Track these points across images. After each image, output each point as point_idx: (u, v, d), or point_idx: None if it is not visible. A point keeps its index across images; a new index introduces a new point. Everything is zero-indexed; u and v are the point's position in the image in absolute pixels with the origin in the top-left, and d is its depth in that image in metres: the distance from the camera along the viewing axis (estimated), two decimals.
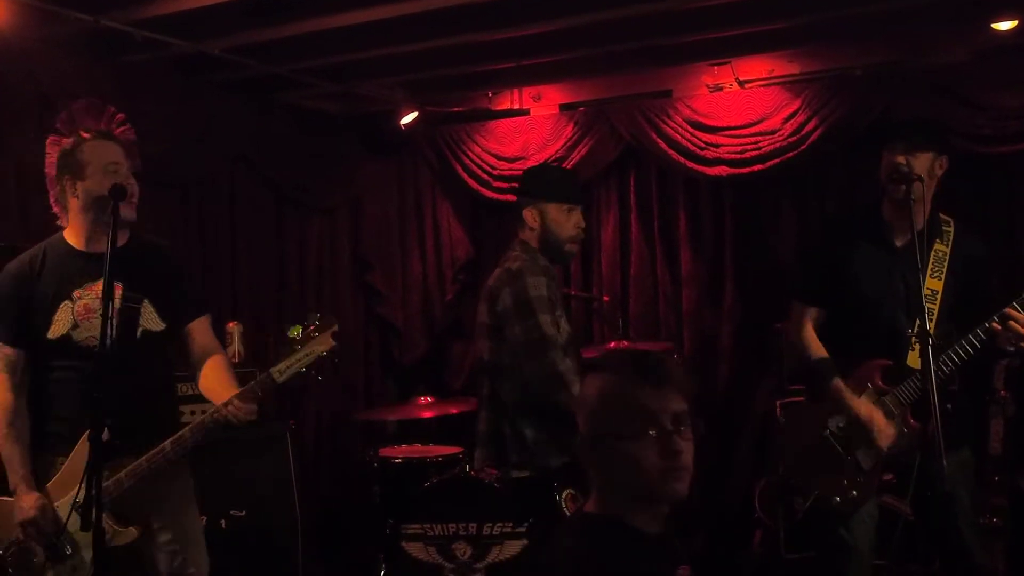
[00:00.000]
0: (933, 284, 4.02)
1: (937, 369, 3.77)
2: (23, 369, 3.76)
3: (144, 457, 3.53)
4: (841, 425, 4.04)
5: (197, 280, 3.70)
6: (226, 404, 3.53)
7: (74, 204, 3.71)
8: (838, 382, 4.06)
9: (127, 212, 3.63)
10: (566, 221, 4.47)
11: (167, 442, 3.52)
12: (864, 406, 4.00)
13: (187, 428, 3.53)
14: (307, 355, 3.39)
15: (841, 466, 4.04)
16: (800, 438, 4.23)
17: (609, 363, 2.71)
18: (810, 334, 4.24)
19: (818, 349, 4.20)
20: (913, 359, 3.97)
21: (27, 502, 3.61)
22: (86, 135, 3.73)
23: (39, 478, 3.68)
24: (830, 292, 4.21)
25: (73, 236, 3.76)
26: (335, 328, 3.41)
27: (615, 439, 2.45)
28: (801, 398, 5.86)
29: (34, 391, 3.76)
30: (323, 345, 3.38)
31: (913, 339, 3.81)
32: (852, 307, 4.12)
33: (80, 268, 3.53)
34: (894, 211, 4.09)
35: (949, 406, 3.74)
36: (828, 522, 4.10)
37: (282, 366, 3.40)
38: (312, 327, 3.43)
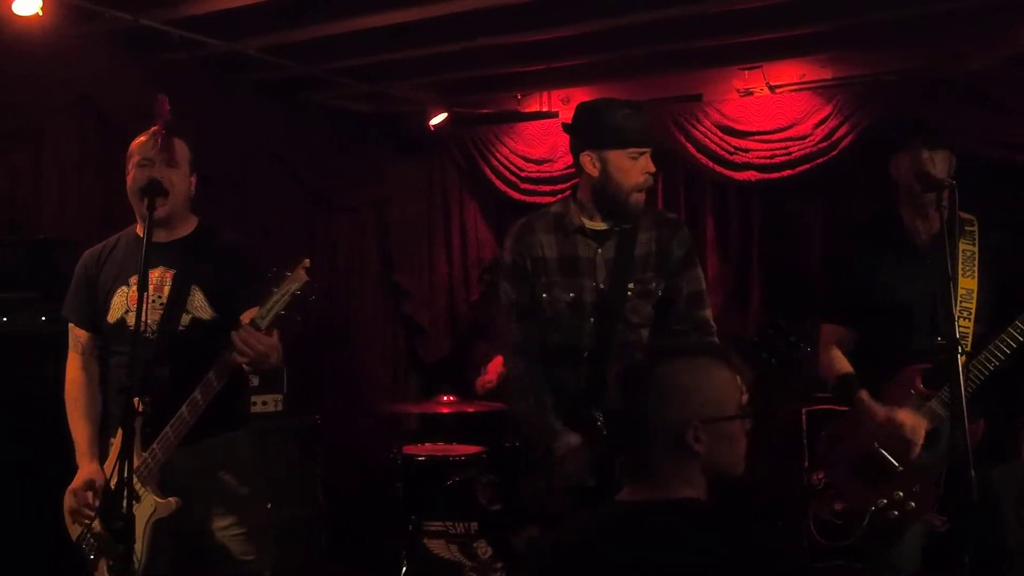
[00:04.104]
0: (967, 283, 3.96)
1: (977, 372, 3.76)
2: (96, 351, 3.91)
3: (168, 426, 3.57)
4: (888, 434, 3.93)
5: (257, 275, 3.75)
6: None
7: (131, 198, 3.81)
8: (863, 393, 3.99)
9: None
10: (631, 168, 3.79)
11: (184, 407, 3.56)
12: (882, 410, 3.91)
13: (197, 390, 3.56)
14: (282, 295, 3.37)
15: (895, 478, 3.92)
16: (846, 455, 4.10)
17: (694, 348, 2.76)
18: (835, 353, 4.17)
19: (842, 366, 4.13)
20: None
21: (80, 473, 3.76)
22: (142, 136, 3.80)
23: (102, 459, 3.80)
24: (859, 306, 4.14)
25: (139, 226, 3.84)
26: (306, 263, 3.39)
27: (722, 422, 2.49)
28: (828, 405, 5.90)
29: (103, 375, 3.89)
30: (296, 282, 3.38)
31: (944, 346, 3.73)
32: (886, 316, 4.05)
33: (139, 255, 3.58)
34: (914, 213, 4.06)
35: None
36: (880, 540, 4.01)
37: (262, 311, 3.42)
38: (284, 270, 3.44)
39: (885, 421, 3.90)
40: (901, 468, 3.91)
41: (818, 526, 5.22)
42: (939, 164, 3.97)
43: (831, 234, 6.84)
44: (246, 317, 3.54)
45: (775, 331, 3.61)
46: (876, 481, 3.97)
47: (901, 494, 3.93)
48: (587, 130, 3.88)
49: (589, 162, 3.82)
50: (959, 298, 3.87)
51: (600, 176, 3.81)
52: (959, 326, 3.65)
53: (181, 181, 3.78)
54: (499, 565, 5.56)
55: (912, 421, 3.86)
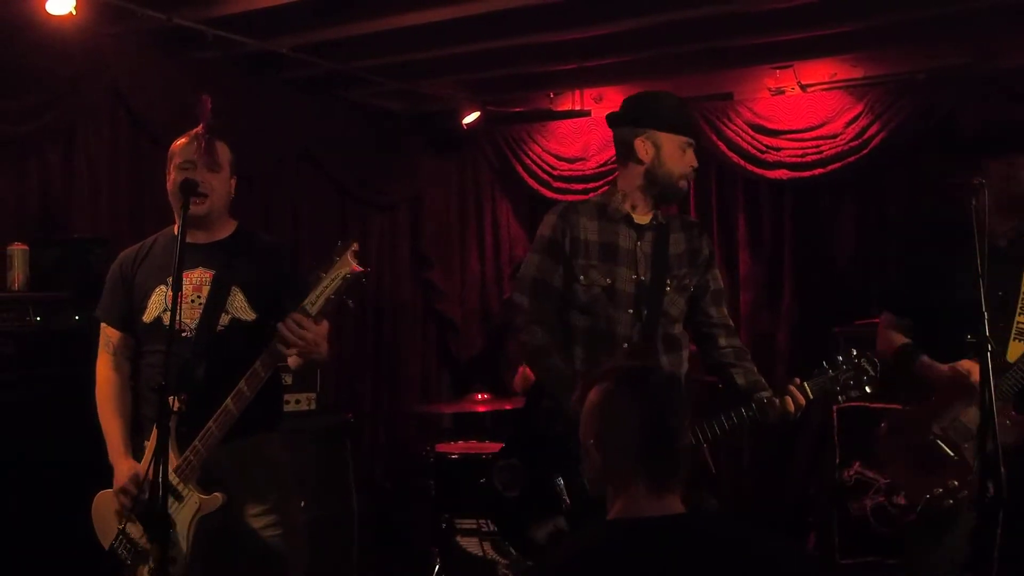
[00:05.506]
0: None
1: None
2: (127, 352, 3.91)
3: (211, 420, 3.55)
4: (944, 425, 4.02)
5: (296, 274, 3.74)
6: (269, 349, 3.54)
7: (170, 197, 3.81)
8: (924, 358, 4.09)
9: (193, 207, 3.68)
10: (681, 157, 3.92)
11: (228, 400, 3.54)
12: (949, 367, 3.99)
13: (242, 381, 3.54)
14: (332, 280, 3.33)
15: (949, 467, 3.99)
16: (905, 445, 4.16)
17: None
18: (893, 333, 4.28)
19: (899, 339, 4.23)
20: (1012, 354, 3.98)
21: (120, 470, 3.72)
22: (182, 137, 3.81)
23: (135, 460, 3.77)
24: (927, 300, 4.18)
25: (176, 225, 3.85)
26: (355, 247, 3.34)
27: None
28: (859, 403, 5.89)
29: (135, 375, 3.89)
30: (345, 267, 3.31)
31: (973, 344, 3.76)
32: (952, 309, 4.03)
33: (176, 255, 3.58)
34: (996, 218, 4.00)
35: None
36: (929, 529, 4.05)
37: (311, 297, 3.37)
38: (333, 254, 3.41)
39: (951, 372, 3.98)
40: (956, 457, 3.97)
41: (875, 514, 5.21)
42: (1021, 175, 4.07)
43: (864, 230, 6.86)
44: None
45: (848, 365, 3.73)
46: (932, 471, 4.03)
47: (956, 483, 3.96)
48: (643, 113, 3.95)
49: (642, 147, 3.89)
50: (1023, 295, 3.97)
51: (653, 162, 3.89)
52: (1019, 322, 3.92)
53: (222, 184, 3.78)
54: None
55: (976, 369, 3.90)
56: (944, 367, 4.00)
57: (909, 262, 4.47)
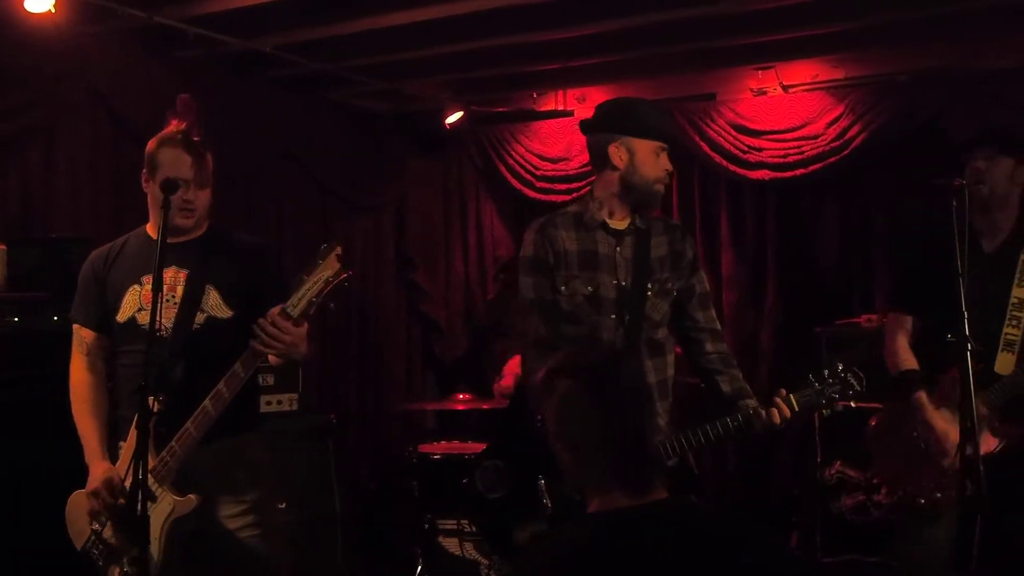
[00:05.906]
0: (1019, 292, 4.03)
1: None
2: (102, 352, 3.88)
3: (189, 421, 3.54)
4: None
5: (282, 274, 3.73)
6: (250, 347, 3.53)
7: (149, 198, 3.80)
8: (921, 395, 4.10)
9: (182, 220, 3.69)
10: (655, 162, 3.92)
11: (207, 401, 3.52)
12: (941, 420, 4.03)
13: (222, 382, 3.52)
14: (315, 283, 3.33)
15: (927, 469, 4.04)
16: (892, 441, 4.22)
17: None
18: (903, 344, 4.27)
19: (908, 360, 4.23)
20: (1000, 365, 4.00)
21: (95, 472, 3.70)
22: (167, 143, 3.76)
23: (111, 462, 3.75)
24: (927, 299, 4.19)
25: (150, 226, 3.85)
26: (338, 251, 3.34)
27: None
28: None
29: (111, 376, 3.87)
30: (329, 270, 3.31)
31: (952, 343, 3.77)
32: (942, 313, 4.09)
33: (151, 255, 3.57)
34: (981, 217, 4.10)
35: None
36: (913, 526, 4.09)
37: (293, 299, 3.37)
38: (316, 257, 3.41)
39: (940, 433, 4.03)
40: (935, 461, 4.03)
41: (856, 511, 5.22)
42: (997, 173, 4.07)
43: (846, 231, 6.90)
44: (276, 311, 3.52)
45: (834, 379, 3.73)
46: (915, 469, 4.08)
47: (931, 484, 4.01)
48: (616, 120, 3.97)
49: (616, 153, 3.90)
50: (1011, 306, 3.99)
51: (627, 168, 3.90)
52: (1007, 333, 3.92)
53: (208, 196, 3.80)
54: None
55: (954, 438, 3.91)
56: (931, 418, 4.05)
57: (911, 260, 4.50)
